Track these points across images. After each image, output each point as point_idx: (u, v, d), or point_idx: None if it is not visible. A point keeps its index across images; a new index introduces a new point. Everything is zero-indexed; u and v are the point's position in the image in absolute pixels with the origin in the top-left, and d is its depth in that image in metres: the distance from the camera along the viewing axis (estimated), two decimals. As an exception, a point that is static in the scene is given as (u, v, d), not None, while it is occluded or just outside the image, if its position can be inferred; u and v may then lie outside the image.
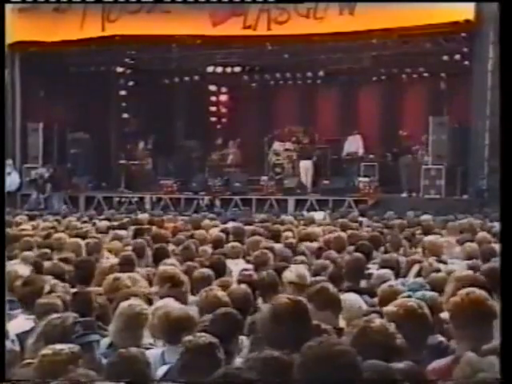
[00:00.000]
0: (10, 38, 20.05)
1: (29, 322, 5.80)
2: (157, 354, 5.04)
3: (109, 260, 8.89)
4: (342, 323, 5.58)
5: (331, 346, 3.38)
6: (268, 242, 10.34)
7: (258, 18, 21.23)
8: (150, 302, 6.07)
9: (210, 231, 12.22)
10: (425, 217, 14.96)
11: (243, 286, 6.47)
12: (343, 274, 7.46)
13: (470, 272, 6.59)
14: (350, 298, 6.17)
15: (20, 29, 21.68)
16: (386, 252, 9.68)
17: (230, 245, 10.01)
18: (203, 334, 4.51)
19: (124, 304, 5.46)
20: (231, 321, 5.07)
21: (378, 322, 4.34)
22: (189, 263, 8.24)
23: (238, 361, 4.68)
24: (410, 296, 5.30)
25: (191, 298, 6.72)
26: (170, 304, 5.86)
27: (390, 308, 4.79)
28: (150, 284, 7.19)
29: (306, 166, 22.67)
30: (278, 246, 9.90)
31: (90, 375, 4.00)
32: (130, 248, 9.68)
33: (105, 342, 5.37)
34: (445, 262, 8.23)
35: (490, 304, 4.50)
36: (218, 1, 21.04)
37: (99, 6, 22.25)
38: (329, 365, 3.29)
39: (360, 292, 6.66)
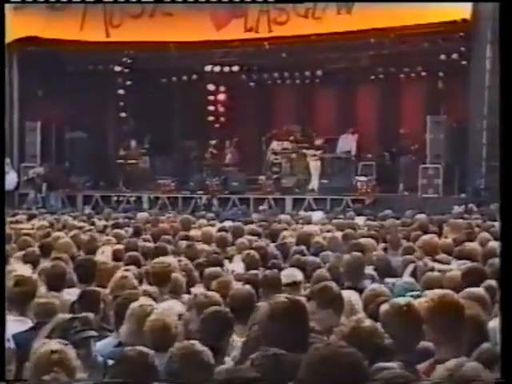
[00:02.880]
0: (8, 36, 20.04)
1: (21, 323, 5.79)
2: None
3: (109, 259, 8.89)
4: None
5: (338, 348, 3.38)
6: (263, 242, 10.36)
7: (258, 19, 21.32)
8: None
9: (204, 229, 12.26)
10: (420, 216, 14.98)
11: (245, 285, 6.49)
12: (342, 274, 7.47)
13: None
14: (347, 296, 6.18)
15: (16, 26, 21.64)
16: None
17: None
18: (192, 342, 4.48)
19: (134, 305, 5.46)
20: (221, 320, 5.07)
21: (367, 322, 4.35)
22: (187, 262, 8.27)
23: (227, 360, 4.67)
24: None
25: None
26: (172, 307, 5.88)
27: (384, 307, 4.81)
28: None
29: (315, 166, 22.70)
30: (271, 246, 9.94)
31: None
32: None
33: (110, 341, 5.35)
34: (440, 262, 8.24)
35: (461, 306, 4.52)
36: (217, 1, 21.08)
37: (99, 9, 22.35)
38: (335, 367, 3.30)
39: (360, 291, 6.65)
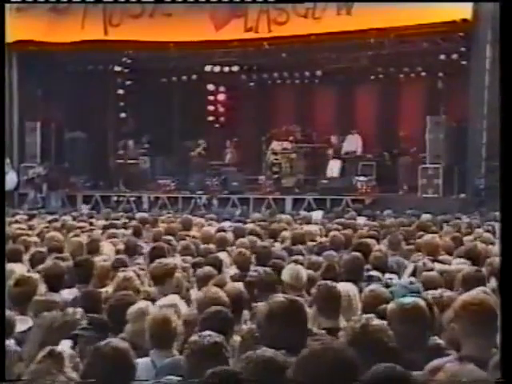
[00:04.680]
0: (8, 37, 20.03)
1: (22, 322, 5.79)
2: (146, 362, 4.98)
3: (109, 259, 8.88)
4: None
5: (331, 348, 3.38)
6: (266, 242, 10.35)
7: (258, 19, 21.33)
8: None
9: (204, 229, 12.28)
10: (422, 216, 14.97)
11: (237, 284, 6.49)
12: (341, 273, 7.46)
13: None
14: (345, 290, 6.20)
15: (18, 29, 21.67)
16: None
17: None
18: (207, 333, 4.49)
19: (142, 304, 5.48)
20: (222, 319, 5.08)
21: (376, 321, 4.35)
22: (186, 262, 8.28)
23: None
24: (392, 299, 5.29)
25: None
26: (175, 302, 5.90)
27: (390, 306, 4.81)
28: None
29: (334, 165, 22.67)
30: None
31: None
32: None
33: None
34: (441, 262, 8.23)
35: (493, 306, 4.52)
36: (217, 1, 21.09)
37: (100, 10, 22.37)
38: (325, 365, 3.29)
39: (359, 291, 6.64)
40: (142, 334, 5.27)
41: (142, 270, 7.68)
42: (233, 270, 8.56)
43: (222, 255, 9.03)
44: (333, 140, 23.24)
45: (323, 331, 5.09)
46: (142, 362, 4.85)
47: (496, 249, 8.54)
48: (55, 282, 7.11)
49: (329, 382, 3.28)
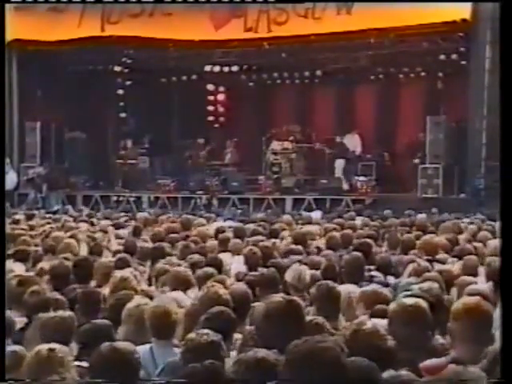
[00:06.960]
0: (8, 36, 20.05)
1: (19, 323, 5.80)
2: (145, 349, 5.04)
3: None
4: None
5: (316, 343, 3.39)
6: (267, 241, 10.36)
7: (258, 19, 21.33)
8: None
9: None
10: (420, 216, 14.98)
11: (242, 284, 6.50)
12: (342, 273, 7.46)
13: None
14: (346, 292, 6.20)
15: (17, 28, 21.66)
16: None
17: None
18: (205, 331, 4.49)
19: (131, 305, 5.49)
20: (225, 320, 5.08)
21: (369, 324, 4.36)
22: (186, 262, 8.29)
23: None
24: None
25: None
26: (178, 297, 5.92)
27: (391, 306, 4.81)
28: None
29: (340, 164, 22.68)
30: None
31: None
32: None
33: None
34: (440, 262, 8.24)
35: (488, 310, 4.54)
36: (217, 1, 21.10)
37: (99, 10, 22.35)
38: (314, 362, 3.30)
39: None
40: (135, 333, 5.26)
41: (138, 270, 7.68)
42: (235, 270, 8.58)
43: (224, 255, 9.05)
44: (338, 140, 23.21)
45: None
46: (141, 349, 4.89)
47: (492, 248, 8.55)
48: (60, 281, 7.11)
49: (317, 378, 3.28)
